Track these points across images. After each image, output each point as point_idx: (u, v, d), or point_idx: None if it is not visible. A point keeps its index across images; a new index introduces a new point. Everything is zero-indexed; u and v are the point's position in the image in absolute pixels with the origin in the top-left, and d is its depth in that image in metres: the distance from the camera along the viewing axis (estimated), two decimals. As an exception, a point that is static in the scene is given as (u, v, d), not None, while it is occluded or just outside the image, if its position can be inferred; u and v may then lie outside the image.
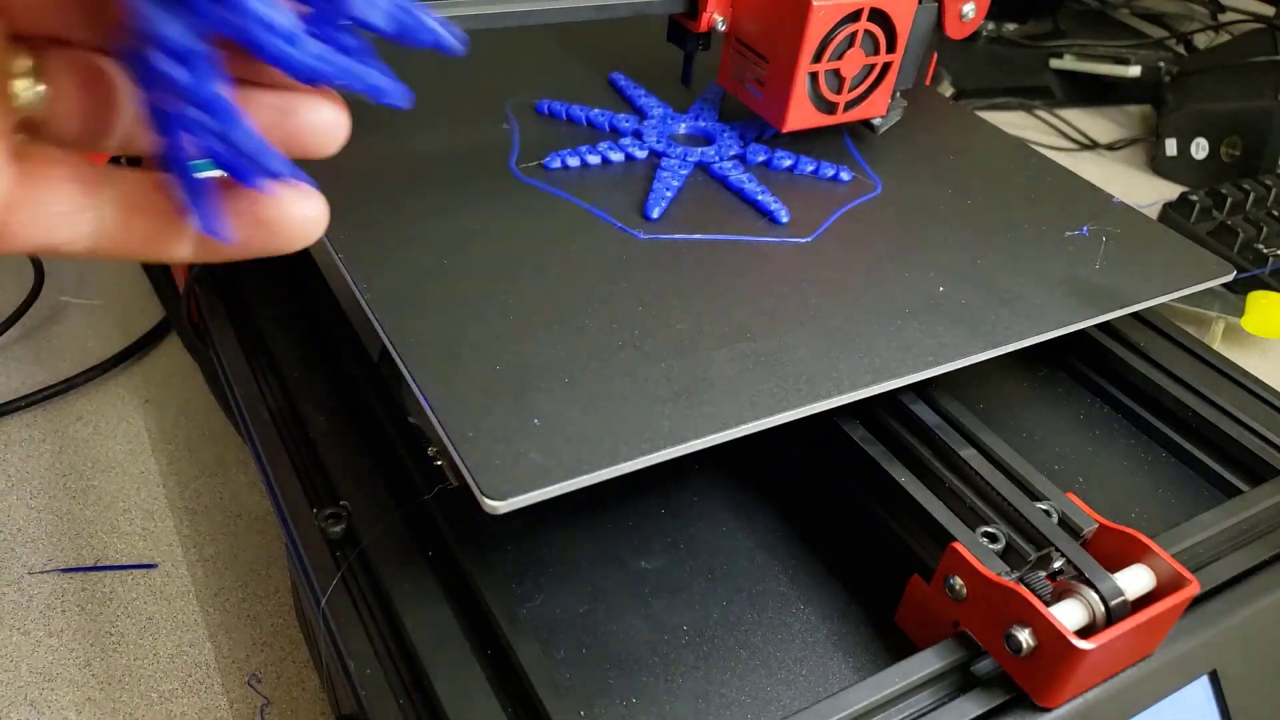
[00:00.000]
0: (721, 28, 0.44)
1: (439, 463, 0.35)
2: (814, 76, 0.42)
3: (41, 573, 0.46)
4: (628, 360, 0.33)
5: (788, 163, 0.45)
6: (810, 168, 0.45)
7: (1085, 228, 0.43)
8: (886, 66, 0.44)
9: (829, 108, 0.44)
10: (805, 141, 0.47)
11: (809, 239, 0.41)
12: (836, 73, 0.42)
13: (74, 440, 0.53)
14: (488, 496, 0.27)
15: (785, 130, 0.43)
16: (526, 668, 0.29)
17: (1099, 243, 0.42)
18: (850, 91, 0.44)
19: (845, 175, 0.45)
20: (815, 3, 0.40)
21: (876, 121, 0.47)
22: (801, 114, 0.43)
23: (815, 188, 0.44)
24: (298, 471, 0.36)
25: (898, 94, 0.47)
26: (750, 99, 0.44)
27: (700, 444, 0.30)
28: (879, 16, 0.42)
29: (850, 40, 0.42)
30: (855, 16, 0.41)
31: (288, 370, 0.40)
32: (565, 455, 0.28)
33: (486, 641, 0.31)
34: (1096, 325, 0.45)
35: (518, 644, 0.30)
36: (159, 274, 0.62)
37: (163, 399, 0.56)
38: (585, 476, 0.28)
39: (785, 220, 0.41)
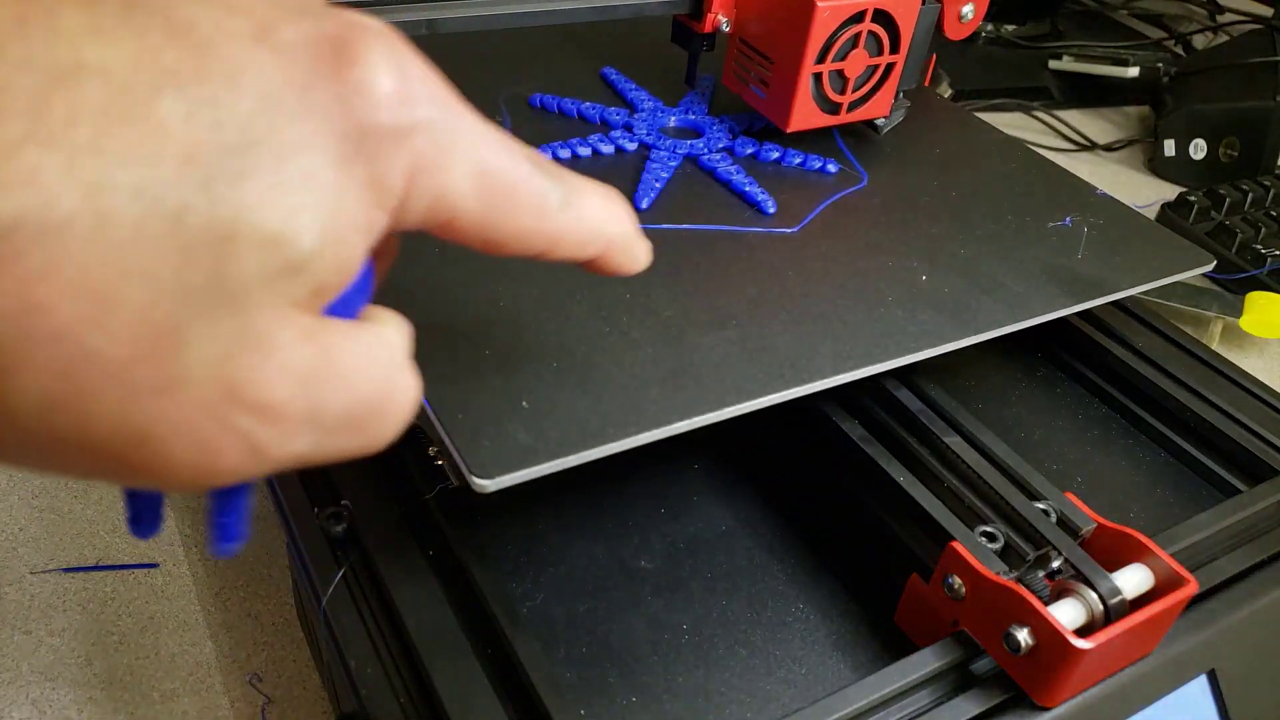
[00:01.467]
0: (726, 28, 0.44)
1: (440, 462, 0.35)
2: (818, 77, 0.42)
3: (43, 572, 0.46)
4: (615, 346, 0.33)
5: (775, 155, 0.45)
6: (797, 160, 0.45)
7: (1068, 218, 0.44)
8: (890, 67, 0.44)
9: (833, 108, 0.44)
10: (794, 135, 0.47)
11: (795, 229, 0.41)
12: (840, 73, 0.43)
13: (75, 440, 0.53)
14: (476, 476, 0.27)
15: (789, 130, 0.43)
16: (526, 666, 0.29)
17: (1081, 233, 0.43)
18: (854, 92, 0.44)
19: (832, 168, 0.45)
20: (819, 4, 0.40)
21: (880, 122, 0.47)
22: (805, 114, 0.43)
23: (802, 179, 0.45)
24: (299, 470, 0.36)
25: (901, 94, 0.48)
26: (754, 99, 0.44)
27: (685, 426, 0.30)
28: (882, 17, 0.42)
29: (854, 41, 0.42)
30: (859, 17, 0.41)
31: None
32: (552, 436, 0.29)
33: (487, 640, 0.31)
34: (1094, 324, 0.45)
35: (518, 643, 0.30)
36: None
37: (163, 399, 0.56)
38: (572, 456, 0.28)
39: (772, 211, 0.42)
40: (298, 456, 0.18)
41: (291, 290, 0.16)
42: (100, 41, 0.15)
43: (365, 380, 0.18)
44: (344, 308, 0.18)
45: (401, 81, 0.17)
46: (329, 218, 0.16)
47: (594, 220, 0.22)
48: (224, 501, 0.20)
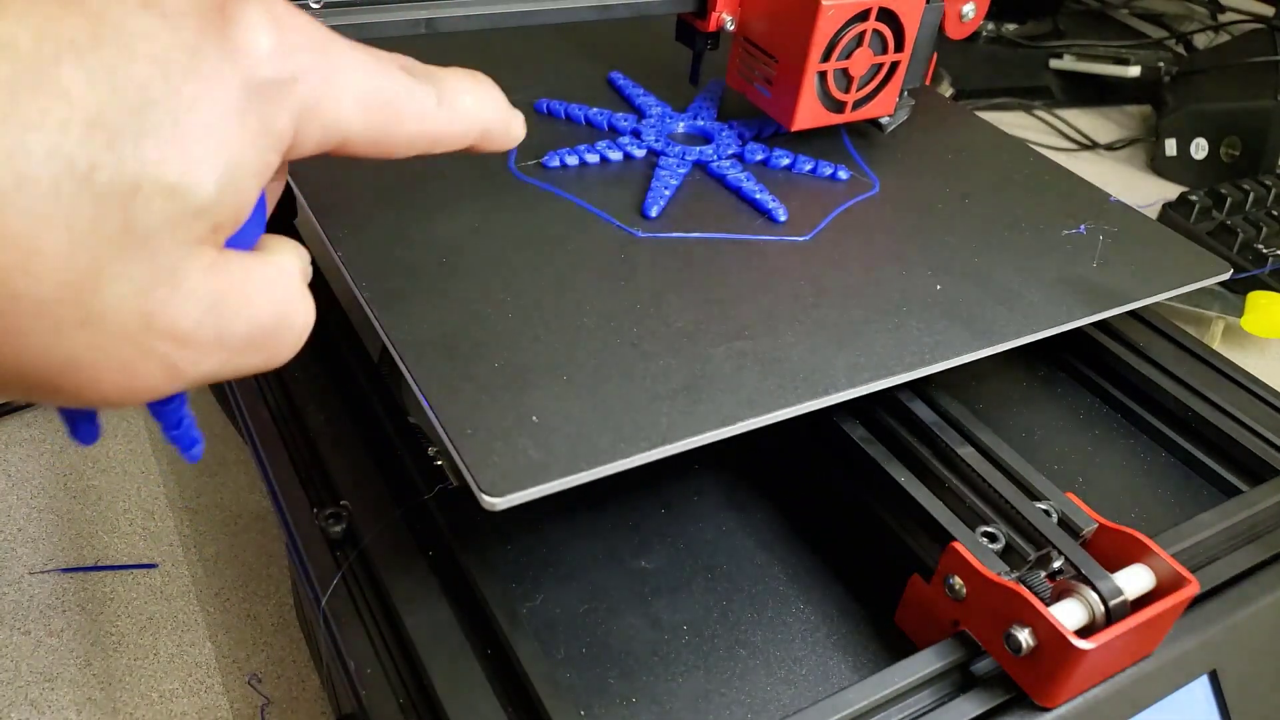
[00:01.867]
0: (730, 27, 0.44)
1: (439, 462, 0.35)
2: (823, 76, 0.42)
3: (42, 572, 0.46)
4: (626, 358, 0.33)
5: (785, 161, 0.45)
6: (808, 166, 0.45)
7: (1083, 226, 0.43)
8: (895, 66, 0.44)
9: (837, 107, 0.44)
10: (803, 140, 0.47)
11: (807, 237, 0.41)
12: (845, 72, 0.43)
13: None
14: (486, 493, 0.27)
15: (794, 129, 0.43)
16: (526, 667, 0.29)
17: (1096, 241, 0.43)
18: (859, 91, 0.44)
19: (843, 174, 0.45)
20: (824, 2, 0.40)
21: (884, 120, 0.47)
22: (810, 113, 0.43)
23: (813, 186, 0.44)
24: (298, 471, 0.36)
25: (905, 93, 0.47)
26: (758, 98, 0.44)
27: (698, 441, 0.30)
28: (887, 16, 0.42)
29: (859, 39, 0.42)
30: (864, 16, 0.41)
31: (288, 370, 0.40)
32: (563, 452, 0.28)
33: (486, 641, 0.31)
34: (1096, 325, 0.45)
35: (518, 643, 0.30)
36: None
37: (163, 398, 0.56)
38: (584, 473, 0.28)
39: (783, 218, 0.41)
40: (210, 374, 0.20)
41: (195, 231, 0.18)
42: (4, 19, 0.16)
43: (265, 304, 0.20)
44: (242, 240, 0.20)
45: (279, 35, 0.19)
46: (225, 166, 0.18)
47: (470, 110, 0.23)
48: (167, 420, 0.23)
